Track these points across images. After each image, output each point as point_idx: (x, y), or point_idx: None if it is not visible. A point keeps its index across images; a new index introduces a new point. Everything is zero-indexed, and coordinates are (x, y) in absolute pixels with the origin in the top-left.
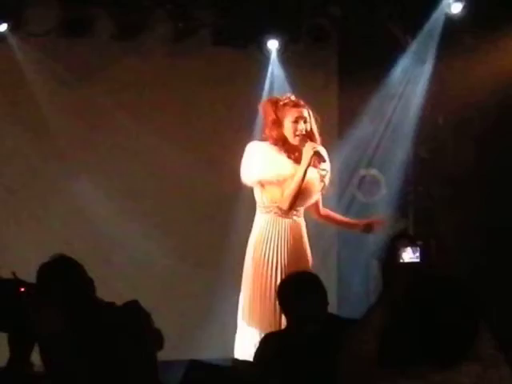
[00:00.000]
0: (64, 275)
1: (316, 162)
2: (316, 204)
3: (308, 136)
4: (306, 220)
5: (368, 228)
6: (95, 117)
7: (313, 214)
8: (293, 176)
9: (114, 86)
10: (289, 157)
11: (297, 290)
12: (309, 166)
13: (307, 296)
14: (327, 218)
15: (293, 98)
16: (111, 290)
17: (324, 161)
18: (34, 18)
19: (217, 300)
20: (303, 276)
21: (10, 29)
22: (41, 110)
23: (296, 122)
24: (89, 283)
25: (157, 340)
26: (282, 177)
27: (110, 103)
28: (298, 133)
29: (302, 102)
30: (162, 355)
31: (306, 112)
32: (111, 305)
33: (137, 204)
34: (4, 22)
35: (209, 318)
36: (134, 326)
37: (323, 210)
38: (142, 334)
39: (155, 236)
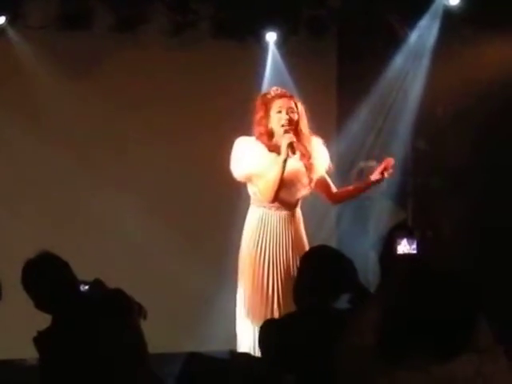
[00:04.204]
0: (48, 272)
1: (291, 153)
2: (327, 190)
3: (295, 128)
4: (304, 212)
5: (380, 179)
6: (93, 109)
7: (327, 200)
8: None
9: (112, 78)
10: (272, 151)
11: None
12: (286, 157)
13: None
14: (342, 197)
15: (279, 90)
16: (111, 283)
17: (293, 153)
18: (32, 11)
19: (216, 293)
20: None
21: (9, 21)
22: (39, 103)
23: (280, 111)
24: (73, 279)
25: (139, 314)
26: (265, 170)
27: (107, 95)
28: (282, 122)
29: (288, 93)
30: (161, 348)
31: (291, 103)
32: (94, 295)
33: (136, 198)
34: (2, 14)
35: (208, 311)
36: (114, 313)
37: (336, 193)
38: (124, 320)
39: (156, 230)
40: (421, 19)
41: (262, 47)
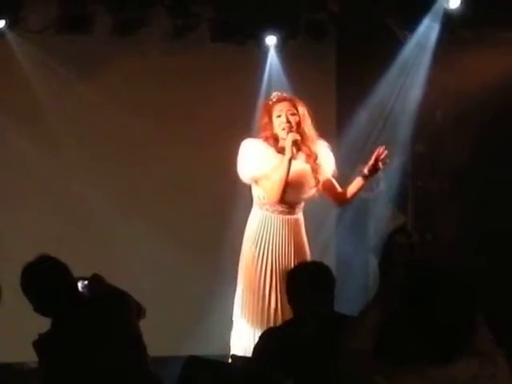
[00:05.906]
0: (47, 275)
1: (296, 150)
2: (333, 191)
3: (297, 129)
4: (304, 216)
5: (374, 169)
6: (93, 113)
7: (334, 202)
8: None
9: (112, 82)
10: (279, 152)
11: (311, 284)
12: (291, 155)
13: (320, 292)
14: (347, 193)
15: (280, 94)
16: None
17: (298, 150)
18: (32, 15)
19: (215, 296)
20: (317, 270)
21: (9, 25)
22: (39, 107)
23: (279, 116)
24: (72, 282)
25: (138, 313)
26: (272, 172)
27: (108, 99)
28: (282, 126)
29: (287, 96)
30: (160, 351)
31: (291, 105)
32: (94, 299)
33: (135, 201)
34: (2, 18)
35: (207, 314)
36: (114, 315)
37: (341, 192)
38: (123, 323)
39: (153, 233)
40: (420, 23)
41: (262, 51)
